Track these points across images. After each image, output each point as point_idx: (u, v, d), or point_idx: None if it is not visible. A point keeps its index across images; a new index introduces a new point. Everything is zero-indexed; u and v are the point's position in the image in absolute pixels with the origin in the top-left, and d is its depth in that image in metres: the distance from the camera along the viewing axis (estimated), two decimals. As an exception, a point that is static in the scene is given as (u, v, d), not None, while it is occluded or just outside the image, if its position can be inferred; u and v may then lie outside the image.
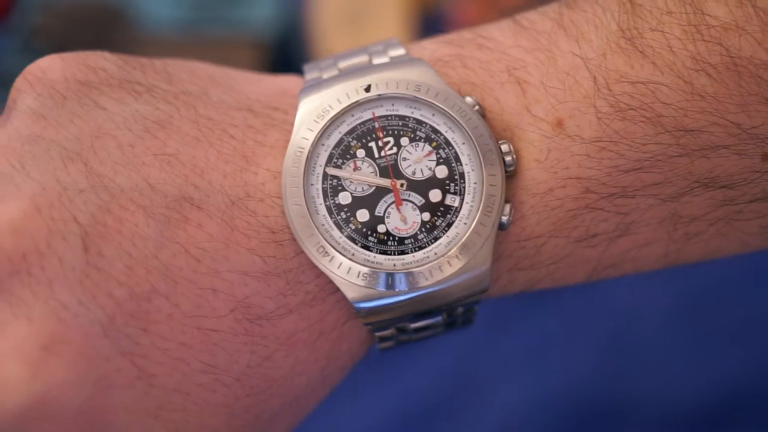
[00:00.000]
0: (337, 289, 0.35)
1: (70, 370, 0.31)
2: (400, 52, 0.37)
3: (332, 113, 0.35)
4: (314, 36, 0.69)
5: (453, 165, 0.35)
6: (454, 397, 0.56)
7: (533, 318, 0.57)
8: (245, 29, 0.70)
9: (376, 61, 0.37)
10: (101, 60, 0.36)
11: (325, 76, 0.37)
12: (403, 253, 0.35)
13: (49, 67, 0.36)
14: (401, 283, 0.34)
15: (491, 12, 0.68)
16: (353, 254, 0.34)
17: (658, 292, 0.57)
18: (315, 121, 0.35)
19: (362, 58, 0.37)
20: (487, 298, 0.38)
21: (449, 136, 0.36)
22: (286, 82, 0.39)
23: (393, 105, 0.36)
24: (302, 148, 0.35)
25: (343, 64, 0.37)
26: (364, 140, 0.36)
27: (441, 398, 0.56)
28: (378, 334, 0.36)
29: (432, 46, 0.38)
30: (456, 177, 0.35)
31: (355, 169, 0.35)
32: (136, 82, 0.36)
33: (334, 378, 0.38)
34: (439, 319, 0.37)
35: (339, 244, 0.35)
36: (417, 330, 0.37)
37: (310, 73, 0.38)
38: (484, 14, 0.68)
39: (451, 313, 0.37)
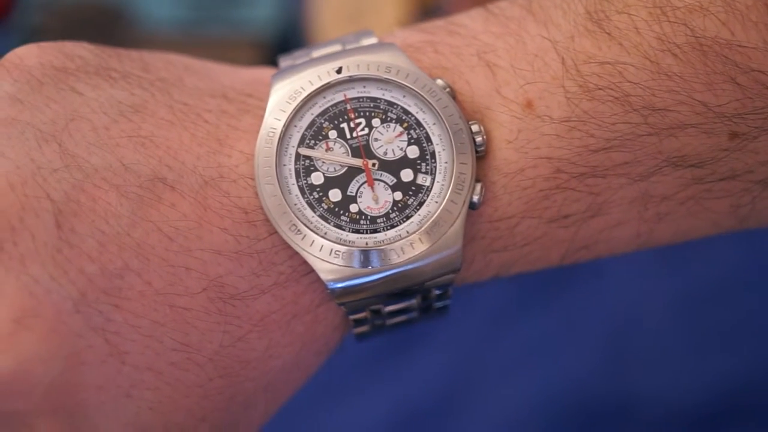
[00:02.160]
0: (311, 271, 0.35)
1: (41, 344, 0.31)
2: (372, 40, 0.38)
3: (304, 94, 0.36)
4: (314, 36, 0.70)
5: (424, 145, 0.36)
6: (454, 396, 0.56)
7: (533, 317, 0.57)
8: (245, 29, 0.70)
9: (349, 47, 0.38)
10: (78, 48, 0.37)
11: (298, 62, 0.38)
12: (375, 231, 0.35)
13: (27, 54, 0.36)
14: (374, 261, 0.34)
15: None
16: (325, 233, 0.35)
17: (658, 291, 0.57)
18: (287, 102, 0.36)
19: (335, 47, 0.38)
20: (463, 283, 0.38)
21: (420, 116, 0.36)
22: (262, 72, 0.39)
23: (364, 87, 0.36)
24: (274, 128, 0.35)
25: (317, 53, 0.38)
26: (336, 121, 0.36)
27: (441, 398, 0.56)
28: (352, 317, 0.36)
29: (404, 34, 0.38)
30: (427, 157, 0.36)
31: (328, 149, 0.36)
32: (112, 69, 0.37)
33: (310, 364, 0.38)
34: (413, 301, 0.37)
35: (311, 223, 0.35)
36: (392, 314, 0.37)
37: (284, 62, 0.38)
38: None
39: (425, 296, 0.37)
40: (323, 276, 0.34)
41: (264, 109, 0.36)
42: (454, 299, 0.37)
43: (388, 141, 0.36)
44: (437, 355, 0.57)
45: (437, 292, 0.37)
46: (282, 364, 0.36)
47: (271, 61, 0.69)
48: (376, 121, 0.36)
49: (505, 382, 0.56)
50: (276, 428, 0.56)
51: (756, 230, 0.58)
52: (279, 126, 0.35)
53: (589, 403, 0.55)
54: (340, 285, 0.35)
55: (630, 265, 0.58)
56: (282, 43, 0.71)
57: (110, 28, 0.70)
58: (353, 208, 0.35)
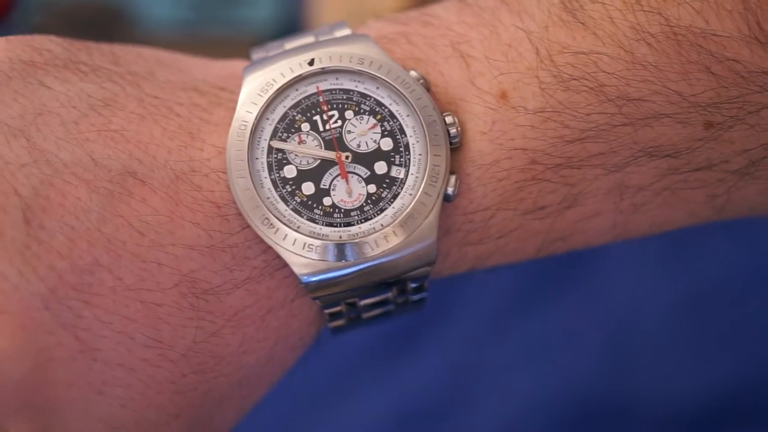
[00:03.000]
0: (285, 265, 0.35)
1: (9, 341, 0.31)
2: (346, 31, 0.38)
3: (276, 87, 0.35)
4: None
5: (398, 137, 0.35)
6: (453, 397, 0.56)
7: (532, 318, 0.57)
8: (245, 29, 0.70)
9: (322, 39, 0.37)
10: (46, 42, 0.37)
11: (271, 54, 0.37)
12: (348, 225, 0.35)
13: None
14: (348, 254, 0.34)
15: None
16: (299, 226, 0.34)
17: (657, 292, 0.57)
18: (259, 95, 0.35)
19: (308, 39, 0.38)
20: (439, 276, 0.38)
21: (393, 108, 0.36)
22: (235, 65, 0.39)
23: (337, 79, 0.36)
24: (246, 121, 0.35)
25: (290, 45, 0.38)
26: (308, 114, 0.36)
27: (440, 398, 0.56)
28: (327, 310, 0.36)
29: (377, 25, 0.38)
30: (401, 149, 0.35)
31: (300, 142, 0.35)
32: (81, 63, 0.36)
33: (285, 359, 0.37)
34: (389, 294, 0.36)
35: (284, 216, 0.34)
36: (367, 308, 0.37)
37: (257, 54, 0.38)
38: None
39: (401, 290, 0.37)
40: (297, 270, 0.34)
41: (236, 102, 0.36)
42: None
43: (362, 133, 0.36)
44: (436, 356, 0.57)
45: (413, 285, 0.36)
46: (256, 359, 0.36)
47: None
48: (349, 113, 0.36)
49: (504, 383, 0.56)
50: (276, 429, 0.56)
51: (756, 230, 0.58)
52: (251, 119, 0.35)
53: (588, 404, 0.55)
54: (314, 279, 0.34)
55: (629, 266, 0.58)
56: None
57: (110, 28, 0.70)
58: (327, 201, 0.35)
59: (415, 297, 0.38)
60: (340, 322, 0.37)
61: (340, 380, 0.57)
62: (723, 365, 0.55)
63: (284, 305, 0.36)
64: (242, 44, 0.70)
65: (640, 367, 0.56)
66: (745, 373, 0.55)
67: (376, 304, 0.37)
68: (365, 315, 0.37)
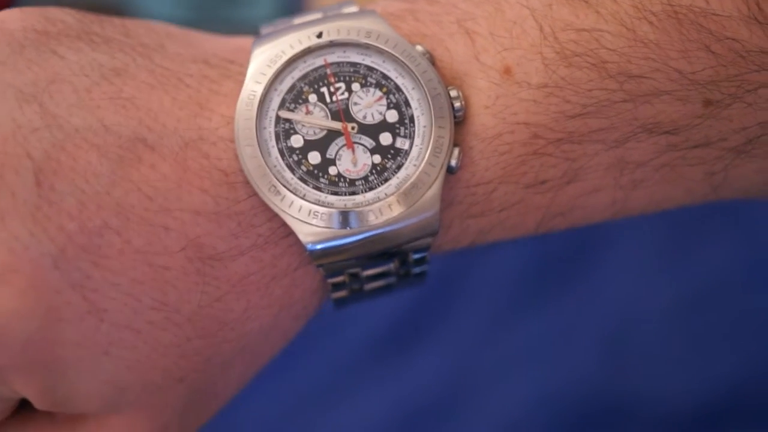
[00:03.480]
0: (290, 233, 0.35)
1: (19, 299, 0.31)
2: (353, 8, 0.38)
3: (285, 58, 0.36)
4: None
5: (403, 109, 0.36)
6: (452, 397, 0.56)
7: (532, 318, 0.57)
8: (245, 29, 0.70)
9: (330, 14, 0.38)
10: (60, 13, 0.37)
11: (279, 28, 0.38)
12: (353, 194, 0.35)
13: (9, 18, 0.36)
14: (352, 222, 0.35)
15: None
16: (304, 194, 0.35)
17: (657, 292, 0.57)
18: (268, 66, 0.36)
19: (317, 15, 0.38)
20: (440, 250, 0.39)
21: (399, 81, 0.36)
22: (245, 41, 0.39)
23: (344, 52, 0.37)
24: (255, 91, 0.36)
25: (298, 20, 0.38)
26: (316, 86, 0.36)
27: (440, 399, 0.56)
28: (330, 280, 0.37)
29: (384, 3, 0.39)
30: (406, 121, 0.36)
31: (307, 113, 0.36)
32: (93, 33, 0.37)
33: (288, 328, 0.38)
34: (391, 265, 0.37)
35: (291, 184, 0.35)
36: (370, 279, 0.38)
37: (266, 30, 0.39)
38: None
39: (403, 261, 0.37)
40: (302, 237, 0.35)
41: (245, 75, 0.37)
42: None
43: (368, 105, 0.36)
44: (436, 356, 0.57)
45: (415, 256, 0.37)
46: (260, 326, 0.36)
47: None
48: (355, 86, 0.36)
49: (504, 383, 0.56)
50: (276, 428, 0.56)
51: (756, 230, 0.58)
52: (259, 89, 0.36)
53: (588, 404, 0.55)
54: (318, 246, 0.35)
55: (629, 265, 0.58)
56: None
57: None
58: (332, 170, 0.36)
59: (417, 270, 0.38)
60: (342, 293, 0.38)
61: (340, 380, 0.57)
62: (723, 365, 0.55)
63: (288, 273, 0.36)
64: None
65: (641, 366, 0.56)
66: (746, 373, 0.55)
67: (379, 276, 0.38)
68: (367, 287, 0.38)
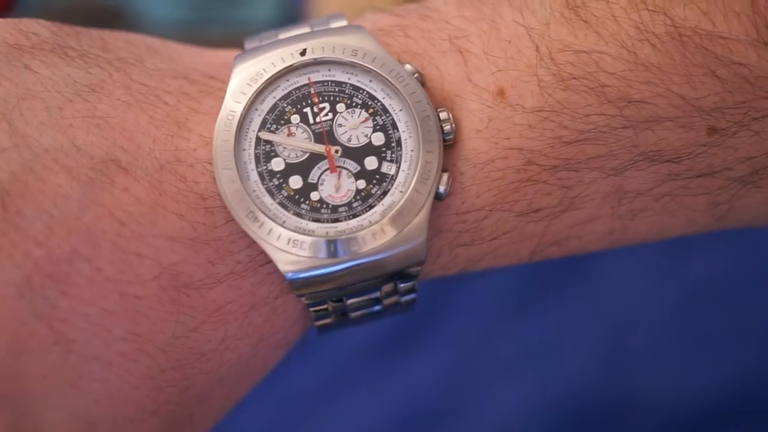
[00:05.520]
0: (269, 261, 0.34)
1: None
2: (342, 23, 0.37)
3: (266, 77, 0.34)
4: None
5: (390, 132, 0.34)
6: (452, 398, 0.56)
7: (532, 319, 0.56)
8: (245, 29, 0.69)
9: (317, 29, 0.36)
10: (34, 25, 0.36)
11: (264, 43, 0.36)
12: (336, 221, 0.34)
13: None
14: (333, 251, 0.33)
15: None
16: (284, 221, 0.33)
17: (657, 293, 0.56)
18: (248, 84, 0.34)
19: (303, 29, 0.37)
20: (429, 278, 0.37)
21: (386, 102, 0.35)
22: (227, 55, 0.38)
23: (329, 70, 0.35)
24: (234, 111, 0.34)
25: (284, 35, 0.37)
26: (299, 105, 0.35)
27: (440, 399, 0.55)
28: (313, 309, 0.35)
29: (375, 17, 0.37)
30: (393, 144, 0.34)
31: (290, 134, 0.34)
32: (69, 47, 0.35)
33: (268, 358, 0.36)
34: (377, 294, 0.35)
35: (270, 210, 0.33)
36: (354, 307, 0.36)
37: (250, 44, 0.37)
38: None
39: (390, 290, 0.36)
40: (281, 266, 0.33)
41: (226, 92, 0.35)
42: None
43: (353, 127, 0.35)
44: (436, 356, 0.56)
45: (402, 285, 0.35)
46: (238, 356, 0.35)
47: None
48: (340, 106, 0.35)
49: (504, 384, 0.55)
50: (275, 428, 0.55)
51: (756, 230, 0.57)
52: (239, 109, 0.34)
53: (588, 405, 0.54)
54: (298, 276, 0.33)
55: (629, 266, 0.57)
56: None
57: (110, 28, 0.70)
58: (314, 196, 0.34)
59: (405, 298, 0.37)
60: (326, 321, 0.36)
61: (338, 380, 0.56)
62: (724, 365, 0.54)
63: (268, 302, 0.35)
64: (242, 44, 0.70)
65: (641, 367, 0.55)
66: (747, 374, 0.54)
67: (364, 304, 0.36)
68: (352, 315, 0.36)
